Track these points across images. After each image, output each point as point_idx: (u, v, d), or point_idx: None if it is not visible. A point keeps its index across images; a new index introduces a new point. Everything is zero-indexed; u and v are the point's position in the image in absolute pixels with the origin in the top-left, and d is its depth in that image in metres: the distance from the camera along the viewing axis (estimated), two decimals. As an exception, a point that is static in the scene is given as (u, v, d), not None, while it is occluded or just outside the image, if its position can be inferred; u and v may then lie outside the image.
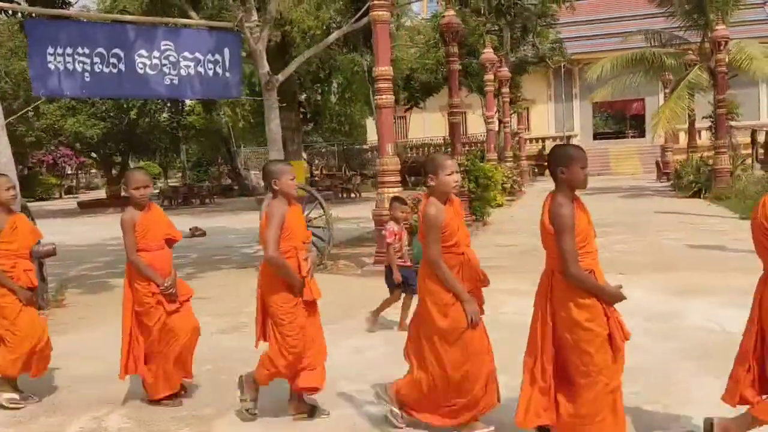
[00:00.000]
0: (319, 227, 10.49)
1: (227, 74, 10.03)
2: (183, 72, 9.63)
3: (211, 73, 9.88)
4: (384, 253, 9.20)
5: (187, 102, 29.87)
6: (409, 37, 26.94)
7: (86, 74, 8.89)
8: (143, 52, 9.32)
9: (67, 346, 6.11)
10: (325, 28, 13.01)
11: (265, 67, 10.32)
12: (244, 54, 10.50)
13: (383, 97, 9.14)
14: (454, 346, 3.70)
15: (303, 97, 24.53)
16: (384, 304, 6.39)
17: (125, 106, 24.12)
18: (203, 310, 6.18)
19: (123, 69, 9.16)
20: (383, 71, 9.09)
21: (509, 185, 21.51)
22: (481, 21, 24.19)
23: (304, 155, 43.86)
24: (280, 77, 10.66)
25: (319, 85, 24.55)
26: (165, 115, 28.00)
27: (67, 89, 8.91)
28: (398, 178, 9.44)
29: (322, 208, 10.60)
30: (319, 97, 24.78)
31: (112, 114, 24.59)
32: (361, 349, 5.87)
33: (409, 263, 6.23)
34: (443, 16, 13.96)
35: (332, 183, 27.43)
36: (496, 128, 22.97)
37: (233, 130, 24.00)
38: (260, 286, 4.21)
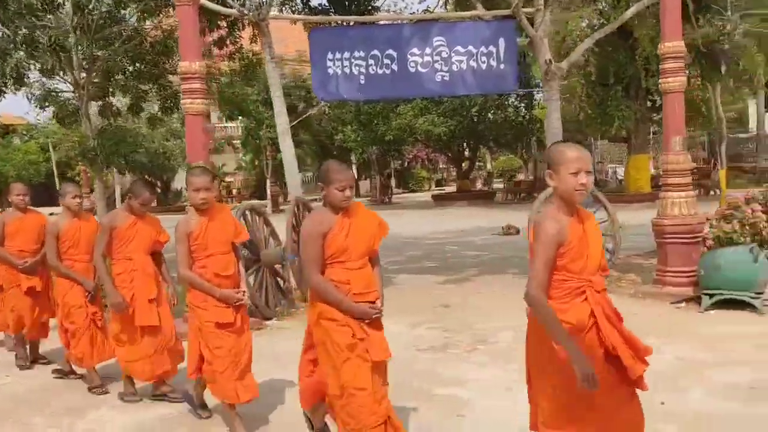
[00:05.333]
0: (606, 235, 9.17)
1: (502, 66, 9.38)
2: (455, 67, 9.32)
3: (484, 66, 9.36)
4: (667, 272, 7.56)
5: (536, 95, 29.59)
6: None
7: (361, 77, 9.24)
8: (415, 50, 9.29)
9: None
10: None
11: (546, 55, 9.36)
12: (524, 42, 9.70)
13: (670, 79, 7.44)
14: None
15: (652, 83, 21.95)
16: None
17: (468, 103, 24.96)
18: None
19: (396, 69, 9.27)
20: (671, 48, 7.39)
21: None
22: None
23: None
24: (564, 65, 9.57)
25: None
26: (510, 110, 28.13)
27: (344, 92, 9.39)
28: (688, 180, 7.62)
29: (607, 213, 9.24)
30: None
31: (457, 112, 25.66)
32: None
33: None
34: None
35: (686, 179, 24.13)
36: None
37: (578, 122, 22.80)
38: None
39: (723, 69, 10.97)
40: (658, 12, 7.77)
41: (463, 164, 32.24)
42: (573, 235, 2.72)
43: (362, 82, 9.25)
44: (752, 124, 32.82)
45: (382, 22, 9.91)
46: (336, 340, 3.29)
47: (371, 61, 9.23)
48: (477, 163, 50.75)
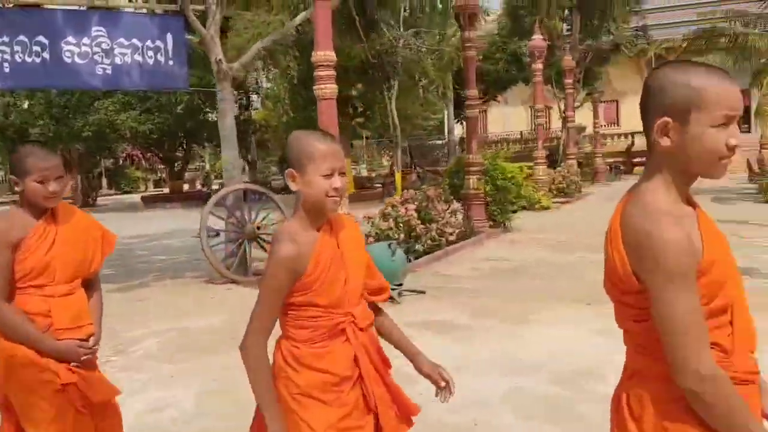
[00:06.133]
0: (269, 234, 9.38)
1: (171, 62, 9.04)
2: (118, 60, 8.74)
3: (151, 61, 8.93)
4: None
5: (254, 96, 29.63)
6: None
7: (6, 65, 8.20)
8: (71, 39, 8.51)
9: None
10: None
11: (218, 55, 9.25)
12: (197, 40, 9.47)
13: (323, 86, 7.80)
14: None
15: (354, 90, 23.35)
16: None
17: (174, 101, 24.05)
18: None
19: (47, 58, 8.40)
20: (323, 57, 7.75)
21: (565, 186, 19.64)
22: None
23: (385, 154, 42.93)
24: (236, 65, 9.56)
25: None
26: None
27: (-16, 80, 8.26)
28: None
29: (282, 213, 9.46)
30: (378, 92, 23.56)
31: (165, 109, 24.54)
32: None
33: None
34: (458, -4, 12.37)
35: (385, 181, 26.34)
36: (545, 122, 20.89)
37: (281, 125, 23.32)
38: None
39: (393, 80, 12.00)
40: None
41: (177, 164, 31.03)
42: (321, 256, 1.97)
43: (7, 70, 8.21)
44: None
45: (49, 6, 8.90)
46: (31, 399, 2.43)
47: (17, 48, 8.24)
48: (200, 163, 49.28)
